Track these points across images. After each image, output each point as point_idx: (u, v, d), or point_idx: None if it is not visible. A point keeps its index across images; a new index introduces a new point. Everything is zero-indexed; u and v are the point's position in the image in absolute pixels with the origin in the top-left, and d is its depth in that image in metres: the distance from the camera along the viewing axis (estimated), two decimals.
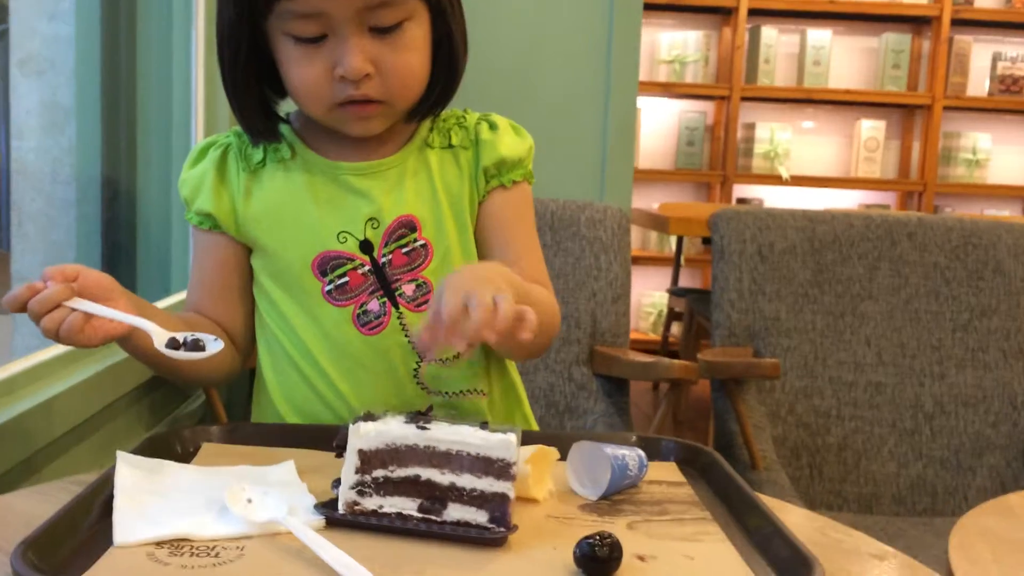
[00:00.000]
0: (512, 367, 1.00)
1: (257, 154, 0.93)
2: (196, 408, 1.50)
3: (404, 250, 0.92)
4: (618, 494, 0.72)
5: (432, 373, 0.92)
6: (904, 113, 4.47)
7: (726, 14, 4.32)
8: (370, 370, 0.91)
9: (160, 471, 0.68)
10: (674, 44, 4.31)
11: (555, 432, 1.37)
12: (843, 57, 4.39)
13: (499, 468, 0.61)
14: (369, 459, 0.61)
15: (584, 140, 1.90)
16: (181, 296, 1.58)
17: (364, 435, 0.61)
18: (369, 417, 0.63)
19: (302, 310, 0.91)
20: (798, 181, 4.28)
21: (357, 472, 0.61)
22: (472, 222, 0.96)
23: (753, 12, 4.21)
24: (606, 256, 1.64)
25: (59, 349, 1.10)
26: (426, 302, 0.92)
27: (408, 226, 0.92)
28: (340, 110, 0.88)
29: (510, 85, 1.91)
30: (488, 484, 0.60)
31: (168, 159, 1.65)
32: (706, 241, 4.18)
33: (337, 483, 0.63)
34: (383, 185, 0.92)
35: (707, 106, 4.46)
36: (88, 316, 0.74)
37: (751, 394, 1.62)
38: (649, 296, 4.44)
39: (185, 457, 0.75)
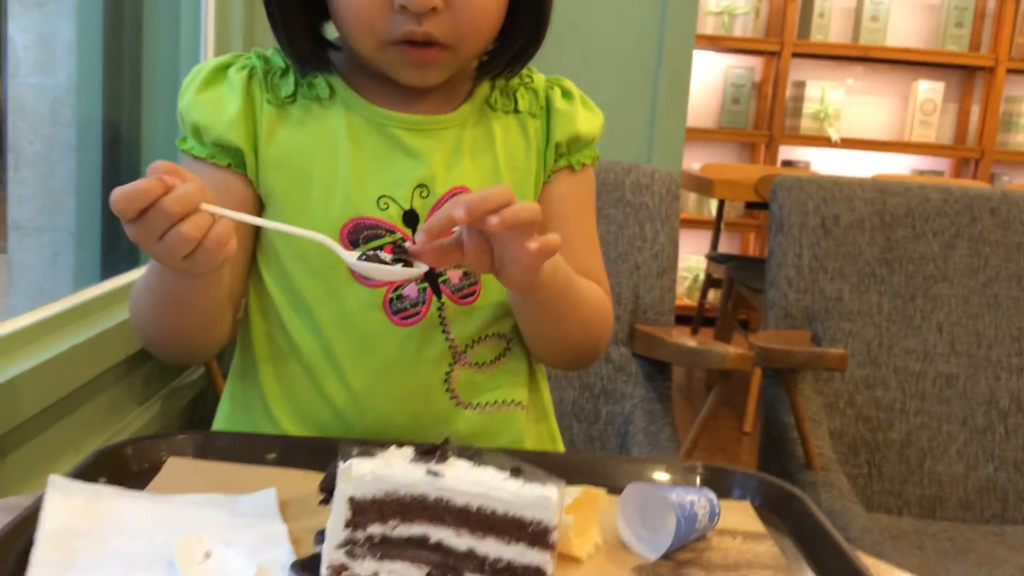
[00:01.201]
0: (544, 379, 0.86)
1: (287, 85, 0.76)
2: (196, 379, 1.38)
3: (455, 229, 0.75)
4: (683, 549, 0.57)
5: (466, 379, 0.77)
6: (964, 75, 4.22)
7: None
8: (395, 368, 0.75)
9: (100, 503, 0.54)
10: None
11: (597, 458, 1.23)
12: (902, 13, 4.14)
13: (534, 533, 0.46)
14: (363, 510, 0.47)
15: (632, 94, 1.73)
16: None
17: (357, 479, 0.46)
18: (365, 452, 0.48)
19: (321, 285, 0.75)
20: (848, 144, 4.07)
21: (347, 527, 0.47)
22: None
23: None
24: (652, 225, 1.48)
25: (30, 319, 0.97)
26: (472, 294, 0.77)
27: None
28: (395, 49, 0.72)
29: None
30: (519, 553, 0.46)
31: (175, 102, 1.51)
32: (750, 205, 3.99)
33: (321, 537, 0.49)
34: (439, 147, 0.77)
35: (755, 62, 4.23)
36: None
37: (807, 382, 1.47)
38: (685, 260, 4.26)
39: (143, 476, 0.61)
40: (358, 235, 0.74)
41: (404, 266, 0.63)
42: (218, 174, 0.76)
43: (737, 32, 4.06)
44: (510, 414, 0.79)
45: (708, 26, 4.06)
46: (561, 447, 0.88)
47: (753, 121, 4.22)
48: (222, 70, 0.77)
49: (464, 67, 0.77)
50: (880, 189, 1.55)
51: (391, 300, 0.75)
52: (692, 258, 4.20)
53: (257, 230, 0.77)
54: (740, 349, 1.23)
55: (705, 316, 3.68)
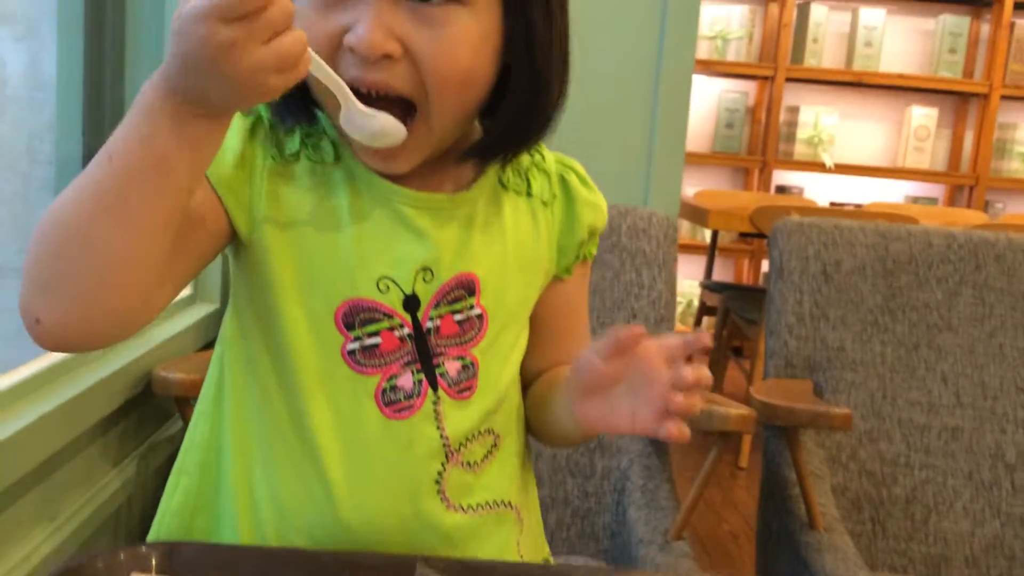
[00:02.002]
0: (533, 476, 0.81)
1: (292, 143, 0.68)
2: (174, 433, 1.32)
3: (457, 316, 0.70)
4: None
5: (458, 480, 0.71)
6: (958, 101, 4.20)
7: None
8: (382, 464, 0.69)
9: None
10: (717, 19, 4.05)
11: (588, 571, 1.17)
12: (896, 39, 4.12)
13: None
14: None
15: (628, 132, 1.69)
16: None
17: None
18: None
19: (310, 367, 0.68)
20: (842, 169, 4.04)
21: None
22: (536, 297, 0.76)
23: None
24: (649, 271, 1.44)
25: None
26: (469, 388, 0.70)
27: (467, 287, 0.71)
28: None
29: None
30: None
31: None
32: (743, 234, 3.96)
33: None
34: (447, 227, 0.70)
35: (749, 86, 4.21)
36: None
37: (808, 435, 1.42)
38: (679, 285, 4.22)
39: None
40: (354, 317, 0.68)
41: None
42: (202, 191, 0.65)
43: (731, 57, 4.04)
44: (500, 515, 0.73)
45: (702, 50, 4.03)
46: (547, 550, 0.82)
47: (747, 146, 4.20)
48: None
49: (440, 143, 0.67)
50: (882, 234, 1.51)
51: (384, 391, 0.69)
52: (686, 283, 4.16)
53: (210, 242, 0.66)
54: (741, 408, 1.18)
55: None
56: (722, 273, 4.27)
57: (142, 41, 1.48)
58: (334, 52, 0.62)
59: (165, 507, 0.73)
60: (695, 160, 4.09)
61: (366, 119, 0.62)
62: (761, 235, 2.77)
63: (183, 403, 1.18)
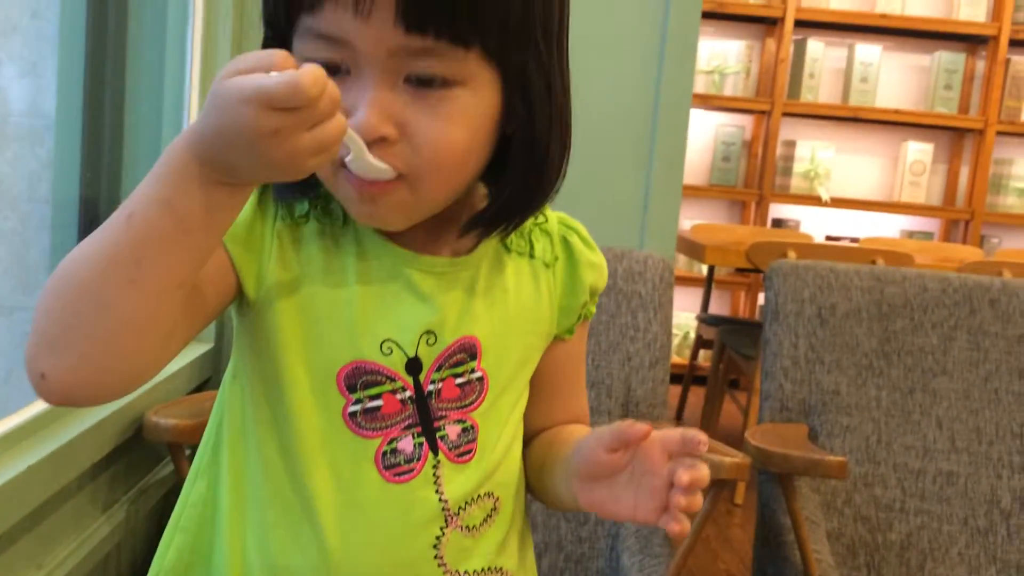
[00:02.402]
0: (531, 541, 0.80)
1: (302, 204, 0.68)
2: (166, 476, 1.32)
3: (458, 380, 0.70)
4: None
5: (456, 544, 0.70)
6: (954, 136, 4.23)
7: (770, 24, 4.09)
8: (380, 528, 0.68)
9: None
10: (714, 54, 4.09)
11: None
12: (892, 75, 4.16)
13: None
14: None
15: (625, 170, 1.69)
16: None
17: None
18: None
19: (310, 429, 0.67)
20: (838, 203, 4.06)
21: None
22: (538, 359, 0.76)
23: (799, 23, 3.99)
24: (645, 314, 1.44)
25: None
26: (469, 452, 0.70)
27: (469, 351, 0.70)
28: (342, 174, 0.62)
29: None
30: None
31: None
32: (739, 269, 3.97)
33: None
34: (451, 291, 0.70)
35: (745, 120, 4.24)
36: None
37: (804, 480, 1.42)
38: (675, 317, 4.22)
39: None
40: (356, 380, 0.67)
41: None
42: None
43: (728, 91, 4.07)
44: None
45: (699, 85, 4.06)
46: None
47: (743, 179, 4.21)
48: None
49: (430, 209, 0.66)
50: (877, 277, 1.52)
51: (384, 454, 0.68)
52: (683, 315, 4.16)
53: (218, 301, 0.66)
54: (736, 456, 1.18)
55: (696, 375, 3.64)
56: (718, 306, 4.28)
57: (142, 82, 1.49)
58: None
59: (159, 564, 0.73)
60: (692, 193, 4.11)
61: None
62: (757, 269, 2.78)
63: (175, 448, 1.18)
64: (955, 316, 1.50)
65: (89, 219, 1.51)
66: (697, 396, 3.78)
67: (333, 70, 0.61)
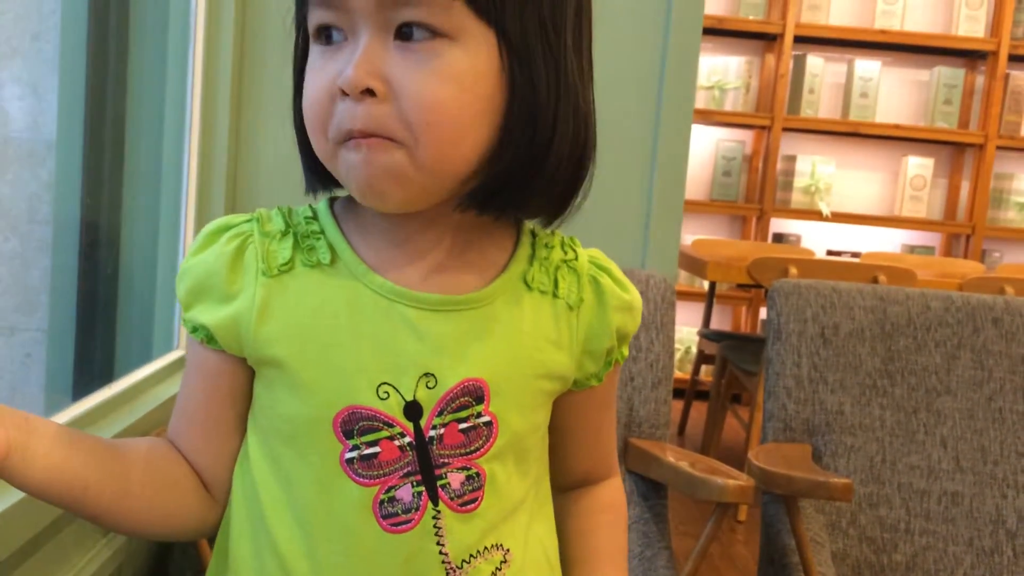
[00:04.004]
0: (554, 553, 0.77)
1: (283, 251, 0.66)
2: None
3: (462, 425, 0.66)
4: None
5: None
6: (954, 151, 4.24)
7: (770, 40, 4.11)
8: None
9: None
10: (714, 70, 4.10)
11: None
12: (892, 90, 4.17)
13: None
14: None
15: (627, 187, 1.69)
16: (163, 362, 1.40)
17: None
18: None
19: (310, 474, 0.65)
20: (838, 218, 4.06)
21: None
22: (551, 403, 0.73)
23: (799, 39, 4.00)
24: (647, 334, 1.44)
25: None
26: (474, 501, 0.66)
27: (474, 394, 0.66)
28: (343, 149, 0.62)
29: None
30: None
31: (156, 204, 1.47)
32: (741, 284, 3.97)
33: None
34: (454, 330, 0.66)
35: (746, 135, 4.25)
36: None
37: (808, 500, 1.41)
38: (677, 331, 4.21)
39: None
40: (353, 425, 0.65)
41: None
42: (201, 347, 0.68)
43: (728, 106, 4.07)
44: None
45: (699, 100, 4.07)
46: None
47: (744, 194, 4.22)
48: (216, 234, 0.68)
49: (432, 184, 0.63)
50: (880, 297, 1.51)
51: (382, 502, 0.65)
52: (684, 330, 4.16)
53: (245, 404, 0.69)
54: (740, 479, 1.17)
55: (699, 390, 3.63)
56: (720, 320, 4.27)
57: (143, 104, 1.49)
58: (331, 102, 0.62)
59: None
60: (693, 208, 4.11)
61: None
62: (759, 285, 2.77)
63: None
64: (958, 335, 1.50)
65: (90, 240, 1.51)
66: (699, 411, 3.77)
67: (335, 38, 0.62)
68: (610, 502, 0.80)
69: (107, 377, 1.41)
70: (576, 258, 0.72)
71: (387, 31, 0.60)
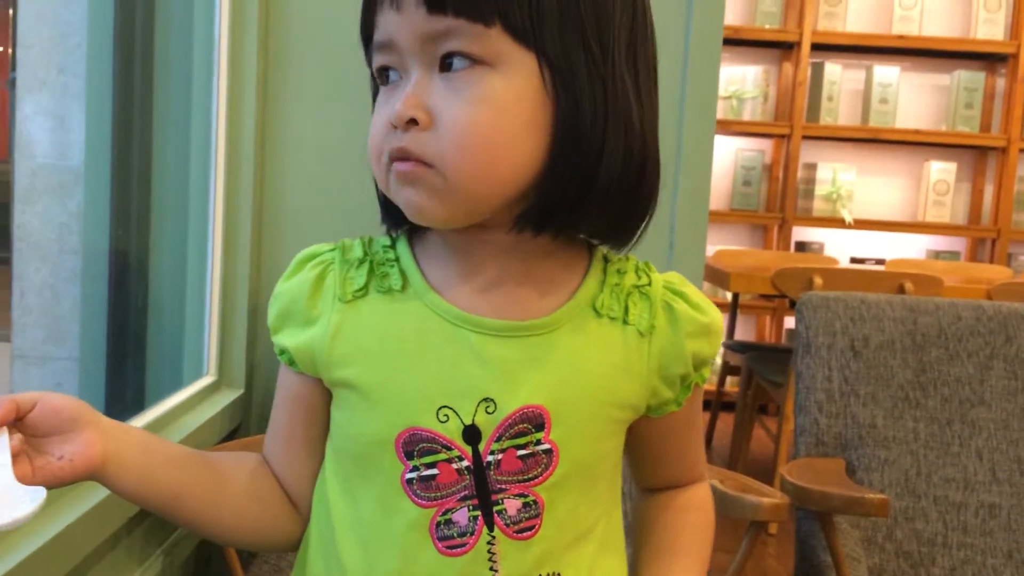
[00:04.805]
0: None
1: (358, 278, 0.70)
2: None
3: (520, 452, 0.66)
4: None
5: None
6: (976, 155, 4.20)
7: (787, 49, 4.10)
8: None
9: None
10: (732, 79, 4.09)
11: None
12: (911, 95, 4.14)
13: None
14: None
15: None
16: (194, 390, 1.40)
17: None
18: None
19: (372, 493, 0.68)
20: (861, 225, 4.04)
21: None
22: (623, 431, 0.72)
23: (816, 47, 3.98)
24: None
25: None
26: (530, 528, 0.66)
27: (534, 421, 0.66)
28: (391, 172, 0.64)
29: None
30: None
31: (183, 232, 1.48)
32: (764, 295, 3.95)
33: None
34: (517, 356, 0.66)
35: (765, 144, 4.23)
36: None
37: (843, 515, 1.39)
38: None
39: None
40: (414, 447, 0.66)
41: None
42: (286, 368, 0.74)
43: (746, 116, 4.06)
44: None
45: (718, 110, 4.06)
46: None
47: (765, 203, 4.20)
48: (303, 263, 0.73)
49: (470, 205, 0.64)
50: (910, 308, 1.50)
51: (438, 524, 0.66)
52: None
53: (327, 423, 0.73)
54: (774, 497, 1.16)
55: (724, 401, 3.61)
56: (743, 331, 4.25)
57: (169, 135, 1.50)
58: (388, 135, 0.65)
59: None
60: (713, 218, 4.10)
61: None
62: (783, 295, 2.76)
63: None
64: (991, 345, 1.48)
65: (119, 269, 1.52)
66: (725, 423, 3.75)
67: (391, 78, 0.66)
68: (697, 504, 0.80)
69: (138, 405, 1.42)
70: (649, 283, 0.71)
71: (433, 65, 0.63)
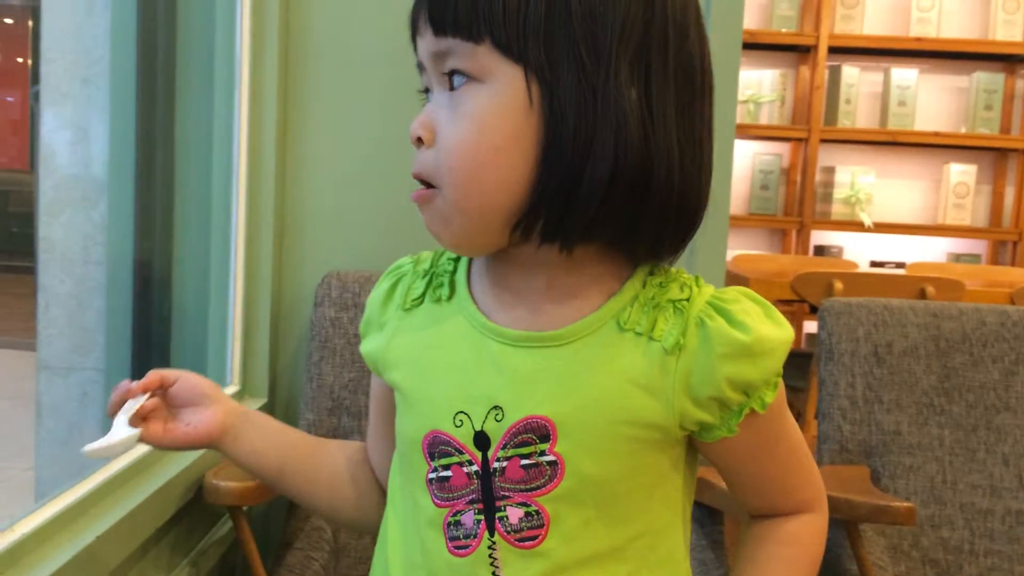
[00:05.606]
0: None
1: (418, 288, 0.74)
2: (224, 535, 1.32)
3: (524, 461, 0.66)
4: None
5: None
6: (996, 157, 4.17)
7: (804, 52, 4.08)
8: None
9: None
10: (748, 83, 4.08)
11: None
12: (930, 97, 4.11)
13: None
14: None
15: None
16: None
17: None
18: None
19: (409, 490, 0.72)
20: (881, 228, 4.01)
21: None
22: (655, 451, 0.68)
23: (833, 50, 3.96)
24: None
25: (52, 510, 0.92)
26: (533, 538, 0.66)
27: (538, 432, 0.66)
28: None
29: None
30: None
31: (206, 243, 1.49)
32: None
33: None
34: (531, 366, 0.67)
35: (782, 148, 4.21)
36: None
37: (868, 523, 1.38)
38: None
39: None
40: (435, 449, 0.69)
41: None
42: (374, 379, 0.80)
43: (763, 120, 4.05)
44: None
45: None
46: None
47: (783, 207, 4.18)
48: (390, 273, 0.78)
49: (478, 227, 0.65)
50: (933, 313, 1.49)
51: (449, 524, 0.68)
52: None
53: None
54: None
55: None
56: None
57: (191, 146, 1.51)
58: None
59: None
60: (731, 222, 4.07)
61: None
62: (801, 300, 2.74)
63: (235, 509, 1.18)
64: (1016, 350, 1.47)
65: (143, 280, 1.53)
66: None
67: (429, 97, 0.68)
68: (792, 537, 0.74)
69: None
70: (689, 299, 0.67)
71: (444, 84, 0.66)
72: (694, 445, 0.71)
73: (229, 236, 1.47)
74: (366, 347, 0.77)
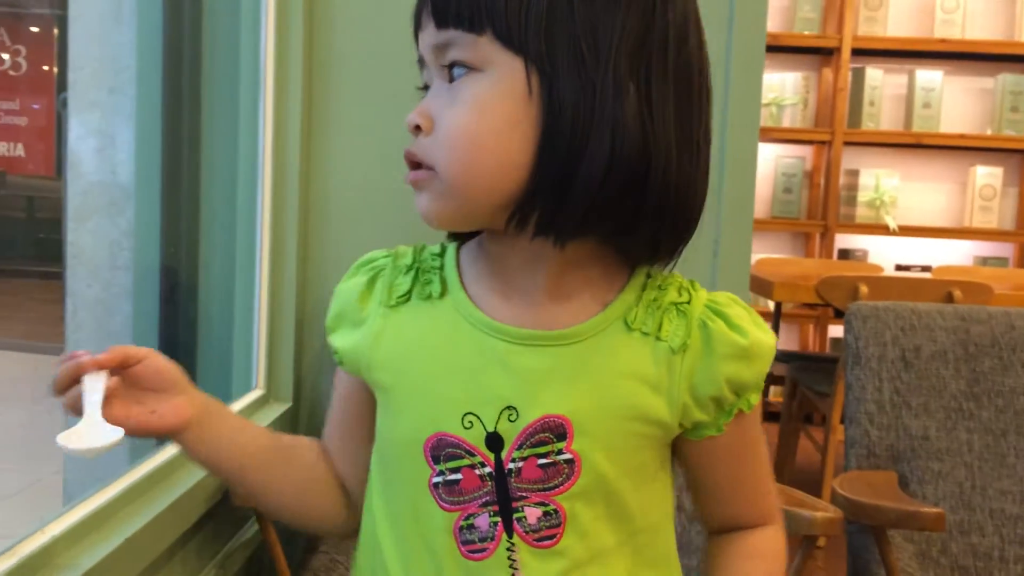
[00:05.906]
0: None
1: (403, 284, 0.72)
2: (250, 538, 1.32)
3: (541, 461, 0.66)
4: None
5: None
6: (1023, 159, 4.12)
7: (827, 54, 4.06)
8: None
9: None
10: (771, 86, 4.06)
11: None
12: (955, 99, 4.08)
13: None
14: None
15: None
16: (243, 403, 1.42)
17: None
18: None
19: (405, 495, 0.70)
20: (906, 231, 3.98)
21: None
22: (657, 448, 0.70)
23: (857, 52, 3.94)
24: None
25: (76, 516, 0.92)
26: (551, 537, 0.67)
27: (555, 431, 0.67)
28: (409, 184, 0.69)
29: None
30: None
31: (231, 249, 1.50)
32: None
33: None
34: (542, 365, 0.67)
35: (805, 151, 4.19)
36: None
37: (896, 529, 1.37)
38: None
39: None
40: (440, 452, 0.68)
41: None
42: (343, 376, 0.77)
43: (786, 123, 4.03)
44: None
45: None
46: None
47: (806, 210, 4.16)
48: (362, 265, 0.76)
49: (474, 210, 0.66)
50: (962, 317, 1.48)
51: (461, 528, 0.67)
52: None
53: (374, 421, 0.75)
54: (827, 511, 1.14)
55: (769, 411, 3.58)
56: (786, 339, 4.20)
57: (217, 148, 1.53)
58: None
59: None
60: (754, 226, 4.05)
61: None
62: (826, 303, 2.72)
63: (261, 514, 1.19)
64: None
65: (170, 286, 1.55)
66: (769, 433, 3.70)
67: (429, 91, 0.69)
68: (760, 550, 0.75)
69: None
70: (689, 301, 0.69)
71: (444, 76, 0.67)
72: (674, 447, 0.73)
73: (254, 241, 1.48)
74: (341, 342, 0.74)
